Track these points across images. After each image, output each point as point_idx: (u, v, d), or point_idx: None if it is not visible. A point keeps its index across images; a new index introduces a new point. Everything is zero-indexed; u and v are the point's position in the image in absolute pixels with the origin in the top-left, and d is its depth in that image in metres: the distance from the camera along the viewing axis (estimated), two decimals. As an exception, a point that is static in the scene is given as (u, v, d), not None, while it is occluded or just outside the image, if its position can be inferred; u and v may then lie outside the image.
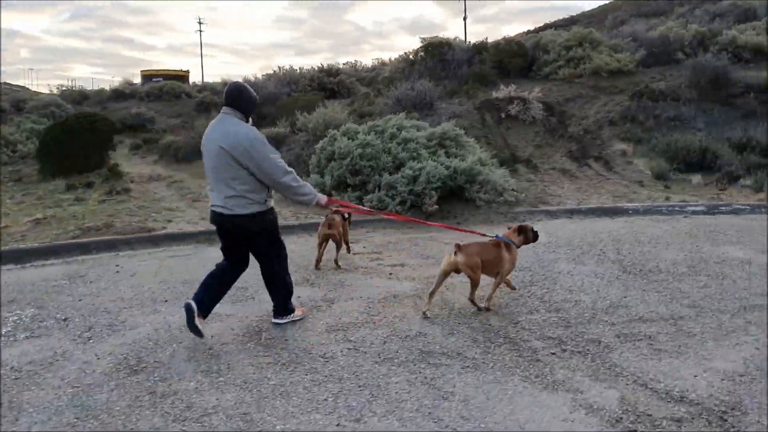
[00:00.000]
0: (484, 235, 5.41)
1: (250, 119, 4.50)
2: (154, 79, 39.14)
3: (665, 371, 3.94)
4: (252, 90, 4.44)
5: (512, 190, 11.38)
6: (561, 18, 42.90)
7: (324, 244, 6.56)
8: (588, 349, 4.28)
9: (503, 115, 18.13)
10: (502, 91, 18.83)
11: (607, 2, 41.86)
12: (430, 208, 10.29)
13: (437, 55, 23.83)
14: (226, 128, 4.28)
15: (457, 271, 4.88)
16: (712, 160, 13.52)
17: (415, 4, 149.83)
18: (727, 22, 24.85)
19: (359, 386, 3.64)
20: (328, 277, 6.39)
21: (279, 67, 29.11)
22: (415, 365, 3.98)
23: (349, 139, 12.03)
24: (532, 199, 11.58)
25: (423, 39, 25.62)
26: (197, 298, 4.39)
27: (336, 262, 6.70)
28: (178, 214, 10.84)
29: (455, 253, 4.80)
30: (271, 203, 4.54)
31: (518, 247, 5.16)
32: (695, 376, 3.87)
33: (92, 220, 9.86)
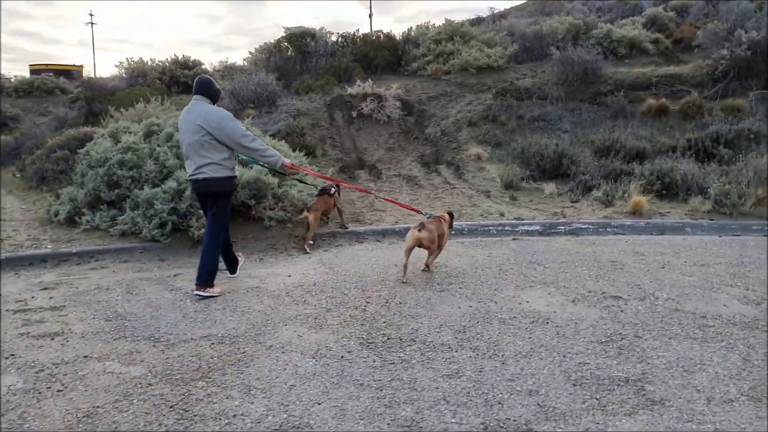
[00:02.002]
0: (419, 212, 6.93)
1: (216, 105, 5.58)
2: (43, 74, 34.55)
3: None
4: (216, 83, 5.71)
5: None
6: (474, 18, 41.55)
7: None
8: None
9: (355, 114, 16.01)
10: (357, 87, 16.70)
11: (523, 1, 40.88)
12: (198, 231, 7.90)
13: (299, 47, 21.39)
14: (200, 109, 5.44)
15: (421, 245, 5.91)
16: (568, 166, 11.86)
17: (336, 3, 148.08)
18: (611, 17, 23.94)
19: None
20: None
21: (127, 59, 25.90)
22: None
23: (115, 141, 9.46)
24: (350, 215, 9.42)
25: (286, 28, 23.18)
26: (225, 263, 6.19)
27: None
28: None
29: (419, 230, 5.92)
30: (236, 172, 5.77)
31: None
32: None
33: None
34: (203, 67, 25.91)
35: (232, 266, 6.40)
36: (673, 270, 6.26)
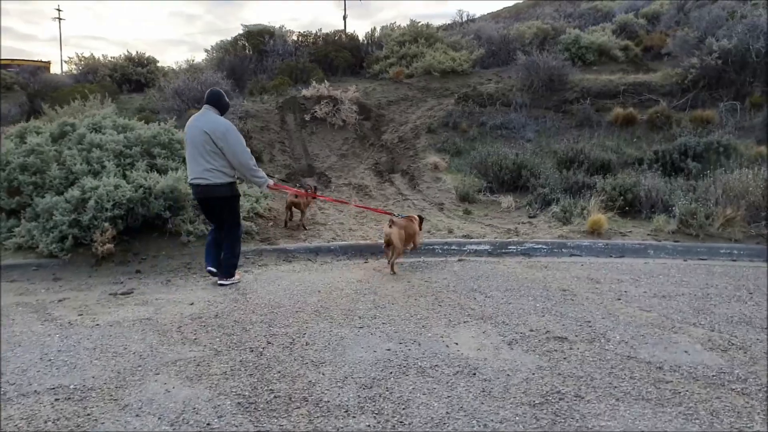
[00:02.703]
0: (391, 213, 7.48)
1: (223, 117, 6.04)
2: (9, 69, 32.83)
3: None
4: (226, 96, 6.23)
5: (257, 215, 8.35)
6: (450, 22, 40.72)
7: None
8: None
9: (308, 117, 15.16)
10: (312, 89, 15.85)
11: (510, 4, 40.35)
12: (102, 247, 6.98)
13: (257, 45, 20.47)
14: (208, 118, 5.87)
15: (390, 242, 6.42)
16: (528, 178, 11.16)
17: (313, 4, 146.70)
18: (581, 23, 23.46)
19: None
20: None
21: (77, 54, 24.66)
22: None
23: (21, 142, 8.49)
24: (285, 230, 8.57)
25: (245, 26, 22.23)
26: (212, 263, 6.27)
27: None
28: None
29: (390, 226, 6.45)
30: (236, 178, 6.15)
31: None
32: None
33: None
34: (158, 64, 24.81)
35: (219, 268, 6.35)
36: (630, 303, 5.53)
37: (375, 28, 21.50)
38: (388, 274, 6.63)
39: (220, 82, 15.48)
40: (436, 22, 22.56)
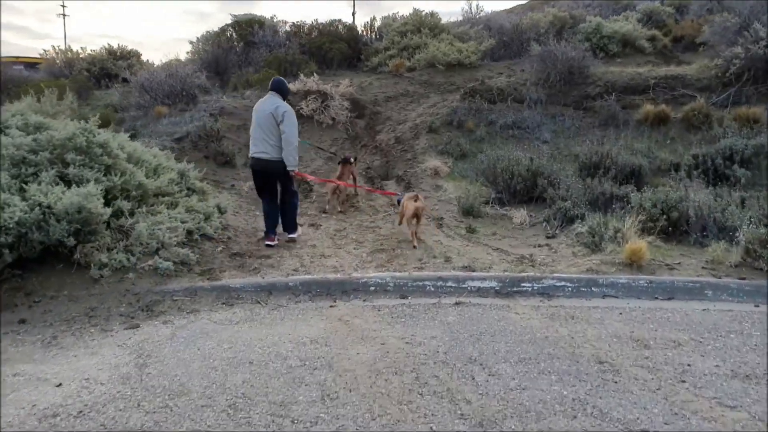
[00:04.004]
0: (395, 194, 8.85)
1: (286, 100, 7.29)
2: (14, 67, 31.36)
3: None
4: (287, 83, 7.50)
5: (203, 237, 6.62)
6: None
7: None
8: None
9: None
10: (299, 83, 14.07)
11: (524, 1, 38.37)
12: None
13: (245, 36, 18.72)
14: (273, 101, 7.13)
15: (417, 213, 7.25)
16: (545, 188, 9.34)
17: (326, 3, 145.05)
18: (600, 11, 21.52)
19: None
20: None
21: (53, 47, 23.04)
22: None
23: None
24: (236, 258, 6.83)
25: (234, 15, 20.50)
26: (272, 232, 7.48)
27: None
28: None
29: (415, 200, 7.31)
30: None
31: None
32: None
33: None
34: (141, 57, 23.13)
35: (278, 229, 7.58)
36: (701, 389, 3.75)
37: (374, 18, 19.67)
38: (354, 329, 4.85)
39: (198, 75, 13.73)
40: (448, 20, 20.60)
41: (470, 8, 21.02)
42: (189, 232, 6.81)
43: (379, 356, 4.33)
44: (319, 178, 10.07)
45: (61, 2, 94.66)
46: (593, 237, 6.97)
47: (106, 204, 6.25)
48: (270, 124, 7.00)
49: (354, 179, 9.83)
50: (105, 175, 6.50)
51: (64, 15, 54.26)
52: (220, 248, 6.96)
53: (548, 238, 8.14)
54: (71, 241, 5.70)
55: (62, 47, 22.70)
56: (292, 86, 14.33)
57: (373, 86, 16.10)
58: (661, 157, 11.57)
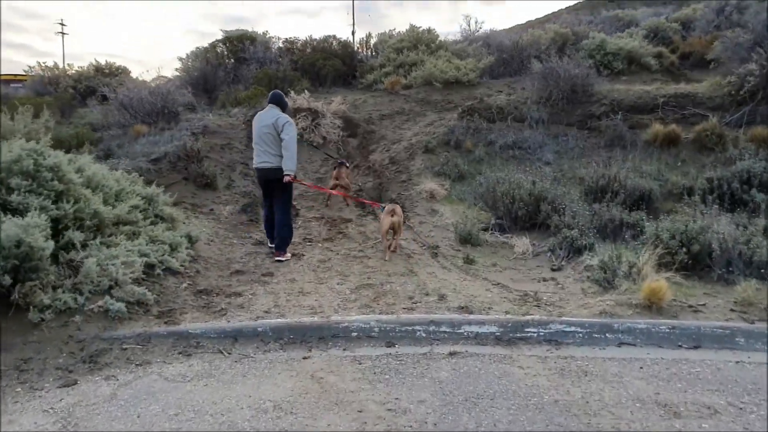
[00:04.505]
0: (379, 205, 8.41)
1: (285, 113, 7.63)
2: (11, 85, 30.81)
3: None
4: (285, 96, 8.11)
5: (166, 271, 5.88)
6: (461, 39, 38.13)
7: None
8: None
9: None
10: (288, 100, 13.28)
11: (523, 21, 38.05)
12: None
13: (235, 52, 18.12)
14: (273, 113, 7.49)
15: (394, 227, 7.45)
16: (548, 214, 8.62)
17: (329, 21, 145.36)
18: (605, 29, 20.93)
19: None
20: None
21: (38, 62, 22.42)
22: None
23: None
24: (201, 296, 6.09)
25: (224, 31, 19.91)
26: (272, 239, 7.80)
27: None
28: None
29: (392, 215, 7.40)
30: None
31: None
32: None
33: None
34: (131, 74, 22.51)
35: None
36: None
37: (370, 34, 19.04)
38: (328, 390, 4.07)
39: (183, 92, 13.06)
40: (446, 38, 19.92)
41: (468, 25, 20.34)
42: (150, 267, 6.06)
43: (355, 427, 3.55)
44: (314, 185, 10.27)
45: (60, 20, 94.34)
46: (605, 272, 6.21)
47: (56, 235, 5.51)
48: (270, 134, 7.38)
49: (346, 185, 10.24)
50: (55, 202, 5.75)
51: (63, 33, 53.67)
52: (184, 284, 6.20)
53: (553, 270, 7.39)
54: (7, 280, 4.94)
55: (48, 64, 22.03)
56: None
57: (368, 104, 15.45)
58: (672, 181, 10.87)
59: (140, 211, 7.05)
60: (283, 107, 7.71)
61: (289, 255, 7.60)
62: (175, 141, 11.20)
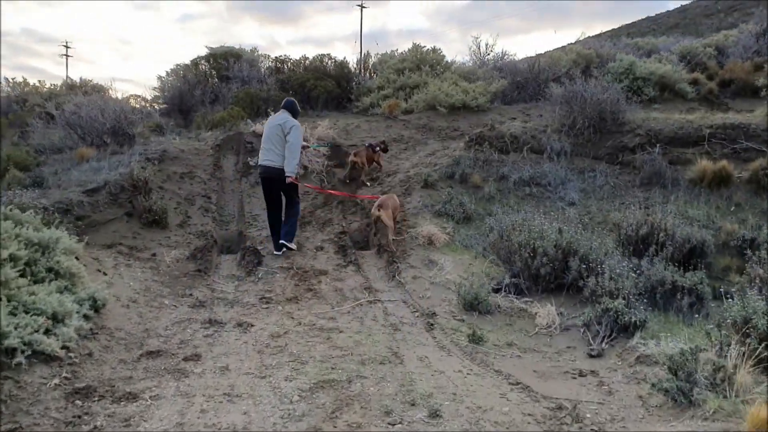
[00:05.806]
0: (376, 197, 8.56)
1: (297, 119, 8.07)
2: None
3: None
4: (298, 104, 8.43)
5: (33, 359, 3.97)
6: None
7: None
8: None
9: (254, 162, 10.83)
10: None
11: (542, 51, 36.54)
12: None
13: (219, 70, 16.39)
14: (284, 117, 7.94)
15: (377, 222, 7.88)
16: (580, 272, 6.64)
17: (334, 46, 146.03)
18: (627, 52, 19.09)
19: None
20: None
21: (7, 79, 20.79)
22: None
23: None
24: (79, 408, 4.08)
25: (209, 48, 18.24)
26: (277, 239, 8.12)
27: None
28: None
29: (378, 209, 7.85)
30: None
31: None
32: None
33: None
34: (110, 92, 20.80)
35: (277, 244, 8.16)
36: None
37: (368, 53, 17.32)
38: None
39: (127, 112, 11.24)
40: (454, 59, 18.19)
41: (478, 47, 18.60)
42: (6, 352, 4.07)
43: None
44: (316, 187, 10.18)
45: (64, 43, 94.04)
46: (676, 375, 4.19)
47: None
48: (277, 135, 7.78)
49: (362, 164, 10.65)
50: None
51: (66, 56, 52.45)
52: (56, 379, 4.22)
53: (592, 357, 5.41)
54: None
55: (17, 79, 20.38)
56: (257, 128, 11.92)
57: (361, 129, 13.60)
58: (727, 229, 8.96)
59: (24, 264, 5.11)
60: (294, 114, 8.07)
61: (294, 245, 8.17)
62: (122, 168, 9.33)
